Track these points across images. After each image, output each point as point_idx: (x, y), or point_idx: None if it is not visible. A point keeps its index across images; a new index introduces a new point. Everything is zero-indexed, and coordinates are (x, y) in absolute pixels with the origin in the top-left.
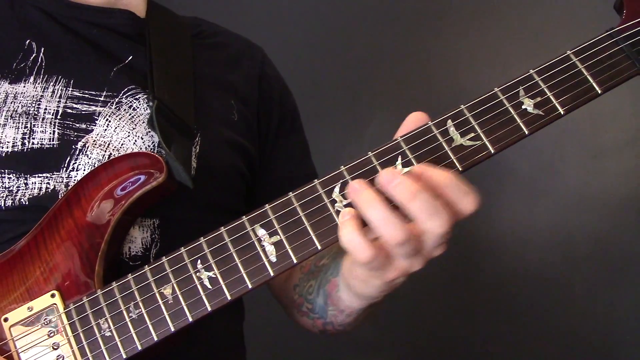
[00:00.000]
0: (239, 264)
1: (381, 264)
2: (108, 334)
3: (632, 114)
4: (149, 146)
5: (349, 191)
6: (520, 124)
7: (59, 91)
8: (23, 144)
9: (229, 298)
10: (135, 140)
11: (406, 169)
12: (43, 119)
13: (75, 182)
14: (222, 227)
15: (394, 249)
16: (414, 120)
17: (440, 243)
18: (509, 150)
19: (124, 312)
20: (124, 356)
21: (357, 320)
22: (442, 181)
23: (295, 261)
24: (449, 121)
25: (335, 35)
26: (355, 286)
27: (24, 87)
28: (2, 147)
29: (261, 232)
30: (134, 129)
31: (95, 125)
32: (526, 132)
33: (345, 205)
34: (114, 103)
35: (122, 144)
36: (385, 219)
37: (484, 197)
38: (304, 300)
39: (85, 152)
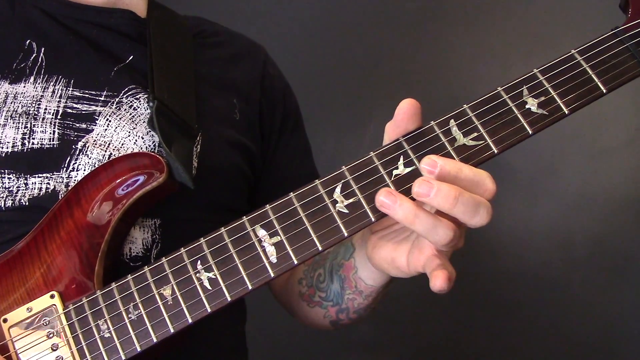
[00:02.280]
0: (239, 265)
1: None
2: (107, 335)
3: (632, 113)
4: (149, 146)
5: (383, 206)
6: (524, 123)
7: (59, 91)
8: (23, 144)
9: (229, 299)
10: (136, 140)
11: (409, 169)
12: (43, 119)
13: (75, 182)
14: (223, 228)
15: (444, 248)
16: (406, 110)
17: None
18: (509, 150)
19: (124, 313)
20: (123, 357)
21: (374, 302)
22: (455, 173)
23: (295, 262)
24: (452, 121)
25: (336, 35)
26: (396, 274)
27: (24, 87)
28: (2, 147)
29: (262, 232)
30: (134, 128)
31: (95, 125)
32: (530, 132)
33: (347, 206)
34: (115, 103)
35: (122, 144)
36: (434, 227)
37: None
38: (315, 290)
39: (86, 152)
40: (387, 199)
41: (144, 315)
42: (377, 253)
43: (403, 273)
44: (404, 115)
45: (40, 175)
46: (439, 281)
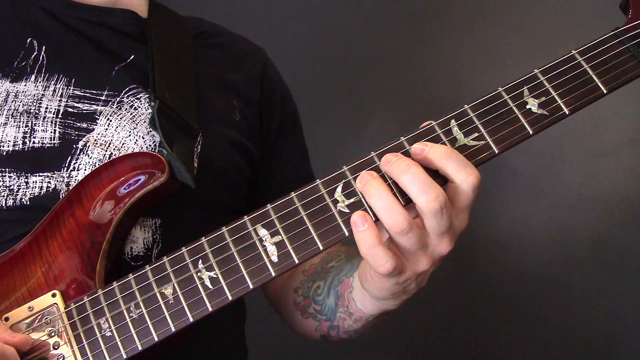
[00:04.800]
0: (240, 264)
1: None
2: (108, 333)
3: (632, 114)
4: (150, 146)
5: (360, 181)
6: (525, 123)
7: (60, 90)
8: (24, 143)
9: (230, 298)
10: (137, 140)
11: None
12: (44, 118)
13: (76, 181)
14: (224, 227)
15: (398, 239)
16: None
17: (441, 232)
18: (509, 150)
19: (125, 312)
20: (124, 356)
21: (364, 328)
22: (442, 153)
23: (296, 261)
24: (453, 121)
25: (336, 35)
26: (371, 289)
27: (25, 85)
28: (3, 146)
29: (263, 232)
30: (135, 128)
31: (96, 125)
32: (530, 132)
33: (348, 205)
34: (116, 102)
35: (123, 144)
36: (388, 206)
37: (484, 197)
38: (311, 301)
39: (86, 151)
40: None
41: (145, 314)
42: (361, 264)
43: (369, 280)
44: None
45: (41, 174)
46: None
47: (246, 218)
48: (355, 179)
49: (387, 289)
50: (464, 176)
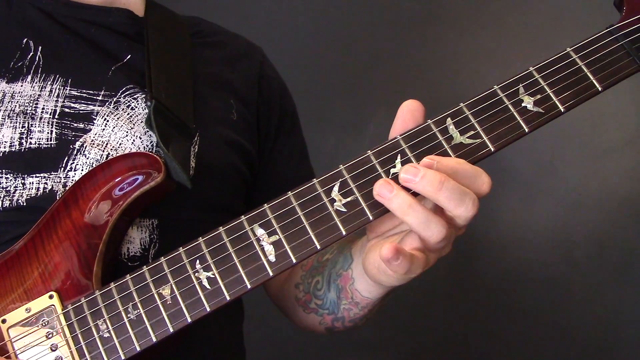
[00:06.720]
0: (238, 264)
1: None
2: (106, 334)
3: (632, 114)
4: (147, 146)
5: (380, 195)
6: (520, 121)
7: (57, 90)
8: (20, 143)
9: (228, 298)
10: (134, 140)
11: None
12: (41, 118)
13: (73, 182)
14: (221, 227)
15: (435, 246)
16: (409, 110)
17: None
18: (508, 150)
19: (123, 313)
20: (123, 357)
21: (370, 313)
22: (453, 167)
23: (294, 261)
24: (449, 119)
25: (335, 35)
26: (392, 281)
27: (22, 86)
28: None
29: (260, 231)
30: (132, 128)
31: (93, 125)
32: (526, 130)
33: (345, 204)
34: (112, 102)
35: (120, 144)
36: (427, 221)
37: (484, 197)
38: (312, 296)
39: (83, 152)
40: (383, 188)
41: (143, 315)
42: (367, 259)
43: (389, 276)
44: (407, 114)
45: (37, 175)
46: (385, 249)
47: (243, 218)
48: (351, 177)
49: (409, 278)
50: (478, 187)
